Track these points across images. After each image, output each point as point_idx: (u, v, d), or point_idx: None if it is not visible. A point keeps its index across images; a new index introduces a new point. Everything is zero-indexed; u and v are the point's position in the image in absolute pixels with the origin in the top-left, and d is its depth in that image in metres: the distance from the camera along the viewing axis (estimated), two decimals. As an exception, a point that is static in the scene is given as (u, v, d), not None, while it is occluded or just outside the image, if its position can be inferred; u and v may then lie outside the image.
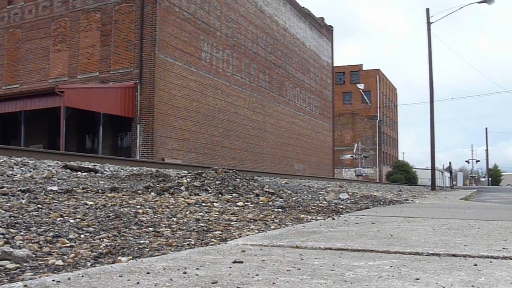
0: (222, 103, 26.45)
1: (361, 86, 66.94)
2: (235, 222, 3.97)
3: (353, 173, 57.78)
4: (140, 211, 4.16)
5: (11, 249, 2.37)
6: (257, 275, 1.85)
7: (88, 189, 5.39)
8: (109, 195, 5.12)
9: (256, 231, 3.56)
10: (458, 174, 77.63)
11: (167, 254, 2.50)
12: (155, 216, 3.98)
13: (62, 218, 3.51)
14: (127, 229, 3.37)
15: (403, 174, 57.02)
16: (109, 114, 21.43)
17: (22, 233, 2.95)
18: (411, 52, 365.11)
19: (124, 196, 5.08)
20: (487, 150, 78.22)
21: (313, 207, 5.61)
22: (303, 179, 20.39)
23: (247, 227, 3.78)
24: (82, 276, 1.79)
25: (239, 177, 6.94)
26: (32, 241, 2.78)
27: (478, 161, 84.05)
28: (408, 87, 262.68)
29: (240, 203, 5.23)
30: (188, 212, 4.38)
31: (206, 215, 4.29)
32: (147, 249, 2.75)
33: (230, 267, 2.00)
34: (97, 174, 8.27)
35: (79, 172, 8.09)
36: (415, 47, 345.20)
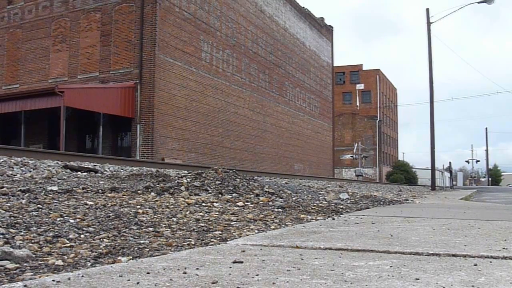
0: (222, 103, 26.44)
1: (360, 86, 66.84)
2: (235, 222, 3.97)
3: (353, 173, 57.67)
4: (140, 211, 4.15)
5: (11, 249, 2.37)
6: (257, 275, 1.85)
7: (88, 189, 5.38)
8: (109, 195, 5.11)
9: (256, 231, 3.56)
10: (458, 174, 77.60)
11: (167, 254, 2.50)
12: (155, 216, 3.97)
13: (62, 218, 3.50)
14: (127, 229, 3.37)
15: (403, 174, 57.01)
16: (109, 114, 21.43)
17: (22, 233, 2.95)
18: (412, 52, 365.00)
19: (124, 196, 5.08)
20: (487, 150, 78.32)
21: (313, 207, 5.60)
22: (303, 179, 20.38)
23: (247, 227, 3.78)
24: (82, 276, 1.79)
25: (239, 177, 6.94)
26: (32, 241, 2.78)
27: (478, 161, 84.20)
28: (409, 87, 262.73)
29: (240, 203, 5.23)
30: (188, 212, 4.38)
31: (206, 215, 4.28)
32: (147, 249, 2.75)
33: (230, 267, 2.00)
34: (97, 174, 8.27)
35: (79, 172, 8.08)
36: (416, 47, 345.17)
